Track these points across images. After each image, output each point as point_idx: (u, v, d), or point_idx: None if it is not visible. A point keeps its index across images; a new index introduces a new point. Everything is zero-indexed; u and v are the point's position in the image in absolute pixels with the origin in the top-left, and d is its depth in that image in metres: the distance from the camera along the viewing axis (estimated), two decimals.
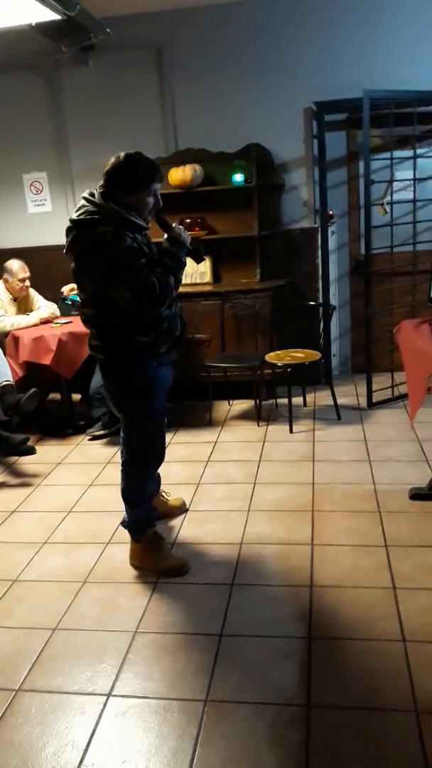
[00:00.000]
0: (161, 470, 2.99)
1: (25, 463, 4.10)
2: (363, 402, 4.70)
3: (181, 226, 2.67)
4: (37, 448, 4.31)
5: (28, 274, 4.59)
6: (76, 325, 4.30)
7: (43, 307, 4.71)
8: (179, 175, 4.75)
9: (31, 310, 4.68)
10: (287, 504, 3.30)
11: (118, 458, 2.83)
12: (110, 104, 5.05)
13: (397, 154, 4.59)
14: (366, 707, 1.97)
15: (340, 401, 4.58)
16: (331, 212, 5.05)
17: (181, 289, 2.70)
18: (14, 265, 4.56)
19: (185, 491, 3.49)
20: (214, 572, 2.74)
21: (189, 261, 2.72)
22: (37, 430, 4.55)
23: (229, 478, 3.66)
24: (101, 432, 4.42)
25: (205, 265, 5.04)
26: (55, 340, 4.19)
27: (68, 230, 2.47)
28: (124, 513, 2.84)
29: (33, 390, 4.05)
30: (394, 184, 4.73)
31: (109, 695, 2.09)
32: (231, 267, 5.12)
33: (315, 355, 4.44)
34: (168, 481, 3.20)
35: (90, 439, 4.42)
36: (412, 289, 4.69)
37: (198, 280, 5.01)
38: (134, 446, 2.75)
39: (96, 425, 4.47)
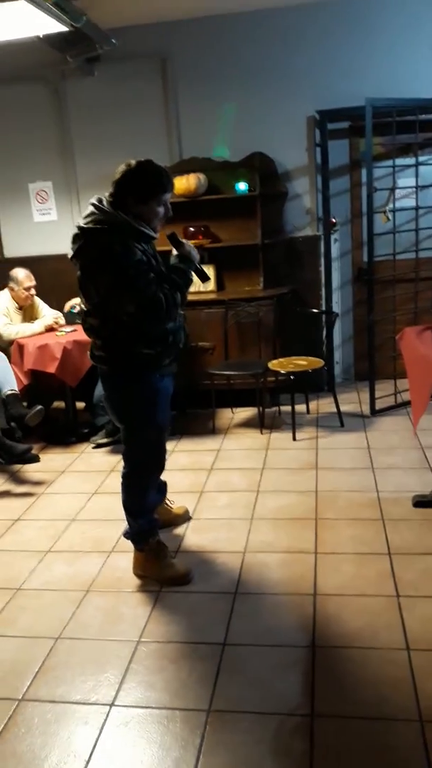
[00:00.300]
0: (167, 478, 2.99)
1: (29, 471, 4.10)
2: (366, 409, 4.70)
3: (191, 243, 2.65)
4: (41, 456, 4.32)
5: (33, 282, 4.62)
6: (81, 333, 4.32)
7: (48, 315, 4.73)
8: (183, 184, 4.78)
9: (36, 319, 4.70)
10: (290, 512, 3.29)
11: (121, 467, 2.83)
12: (115, 114, 5.09)
13: (400, 161, 4.60)
14: (370, 717, 1.96)
15: (343, 408, 4.57)
16: (333, 220, 5.06)
17: None
18: (20, 273, 4.58)
19: (188, 499, 3.49)
20: (217, 581, 2.74)
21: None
22: (41, 438, 4.56)
23: (233, 486, 3.66)
24: (105, 440, 4.43)
25: (209, 273, 5.04)
26: (60, 349, 4.21)
27: (75, 237, 2.45)
28: (126, 524, 2.84)
29: (38, 407, 4.06)
30: (397, 191, 4.73)
31: (111, 705, 2.09)
32: (234, 275, 5.13)
33: (318, 362, 4.45)
34: (171, 489, 3.20)
35: (94, 447, 4.42)
36: (415, 296, 4.70)
37: (201, 288, 5.02)
38: (134, 457, 2.74)
39: (100, 433, 4.48)
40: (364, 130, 4.24)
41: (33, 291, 4.64)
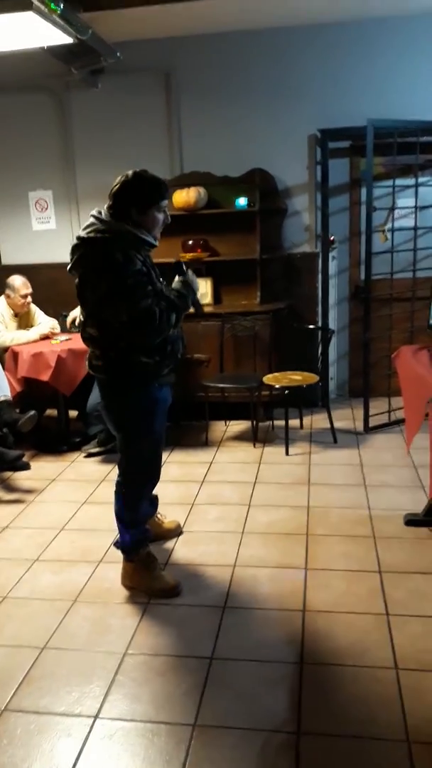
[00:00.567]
0: (159, 490, 2.98)
1: (20, 478, 4.08)
2: (360, 426, 4.70)
3: (194, 274, 2.71)
4: (32, 463, 4.29)
5: (30, 290, 4.62)
6: (76, 342, 4.32)
7: (44, 323, 4.72)
8: (183, 197, 4.80)
9: (32, 326, 4.70)
10: (282, 527, 3.28)
11: (113, 476, 2.82)
12: (118, 126, 5.13)
13: (399, 182, 4.64)
14: (357, 735, 1.94)
15: (336, 425, 4.57)
16: (332, 238, 5.10)
17: None
18: (17, 281, 4.58)
19: (179, 511, 3.47)
20: (206, 594, 2.72)
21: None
22: (33, 446, 4.54)
23: (224, 500, 3.65)
24: (97, 449, 4.41)
25: (206, 286, 5.08)
26: (55, 357, 4.20)
27: (75, 248, 2.47)
28: (117, 534, 2.82)
29: (32, 413, 4.05)
30: (396, 211, 4.78)
31: (96, 717, 2.06)
32: (232, 289, 5.15)
33: (313, 378, 4.45)
34: (163, 501, 3.18)
35: (85, 456, 4.40)
36: (411, 316, 4.72)
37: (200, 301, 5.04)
38: (130, 467, 2.73)
39: (92, 442, 4.46)
40: (364, 150, 4.28)
41: (29, 298, 4.65)
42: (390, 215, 4.85)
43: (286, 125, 4.95)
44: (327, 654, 2.31)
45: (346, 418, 4.96)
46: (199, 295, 2.72)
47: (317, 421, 4.91)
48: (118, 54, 4.54)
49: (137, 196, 2.44)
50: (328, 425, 4.53)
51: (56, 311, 4.86)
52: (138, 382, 2.56)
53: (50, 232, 5.44)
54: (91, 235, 2.42)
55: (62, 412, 4.58)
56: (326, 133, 4.79)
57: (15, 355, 4.37)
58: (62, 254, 5.67)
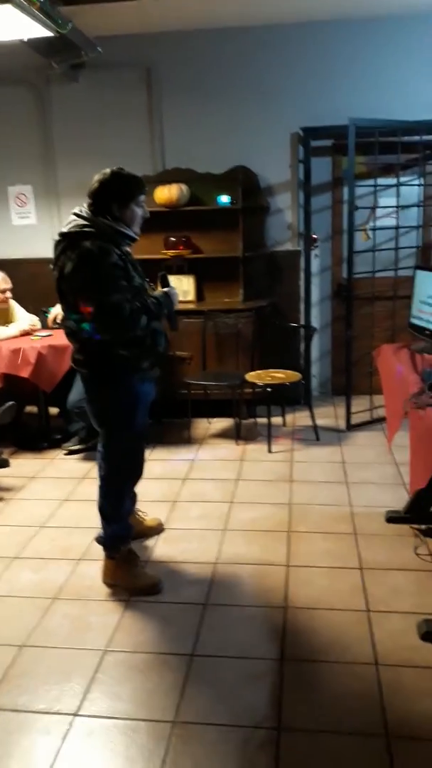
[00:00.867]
0: (139, 488, 2.96)
1: None
2: (342, 424, 4.72)
3: (176, 291, 2.75)
4: (12, 461, 4.24)
5: (9, 285, 4.56)
6: (57, 338, 4.28)
7: (24, 319, 4.67)
8: (165, 194, 4.78)
9: (12, 323, 4.64)
10: (263, 524, 3.28)
11: (94, 474, 2.80)
12: (99, 121, 5.09)
13: (381, 181, 4.67)
14: (337, 731, 1.94)
15: (319, 422, 4.59)
16: (314, 236, 5.11)
17: None
18: None
19: (161, 509, 3.46)
20: (187, 592, 2.71)
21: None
22: (12, 443, 4.49)
23: (206, 497, 3.64)
24: (77, 447, 4.38)
25: (189, 283, 5.06)
26: (35, 353, 4.15)
27: (57, 243, 2.51)
28: (100, 529, 2.80)
29: (10, 403, 4.00)
30: (378, 210, 4.80)
31: (75, 715, 2.04)
32: (214, 286, 5.14)
33: (295, 375, 4.46)
34: (144, 498, 3.17)
35: (66, 454, 4.37)
36: (393, 314, 4.75)
37: (181, 298, 5.01)
38: (113, 461, 2.72)
39: (72, 440, 4.43)
40: (347, 149, 4.30)
41: (9, 294, 4.59)
42: (372, 214, 4.87)
43: (269, 123, 4.94)
44: (308, 650, 2.31)
45: (329, 415, 4.97)
46: (179, 299, 2.75)
47: (300, 418, 4.92)
48: (99, 48, 4.51)
49: (117, 192, 2.51)
50: (310, 423, 4.54)
51: (36, 307, 4.81)
52: (118, 375, 2.56)
53: (30, 227, 5.38)
54: (73, 230, 2.45)
55: (42, 408, 4.54)
56: (309, 132, 4.80)
57: None
58: (43, 249, 5.63)
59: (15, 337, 4.47)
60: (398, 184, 4.65)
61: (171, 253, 4.92)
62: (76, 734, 1.97)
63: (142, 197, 2.58)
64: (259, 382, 4.38)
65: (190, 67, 4.94)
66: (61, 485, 3.86)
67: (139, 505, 3.11)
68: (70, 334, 2.60)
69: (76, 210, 2.52)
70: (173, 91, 4.99)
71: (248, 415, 4.87)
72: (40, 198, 5.32)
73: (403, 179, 4.76)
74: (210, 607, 2.59)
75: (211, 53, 4.90)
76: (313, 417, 4.53)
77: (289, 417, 4.93)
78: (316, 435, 4.48)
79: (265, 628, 2.45)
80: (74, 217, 2.49)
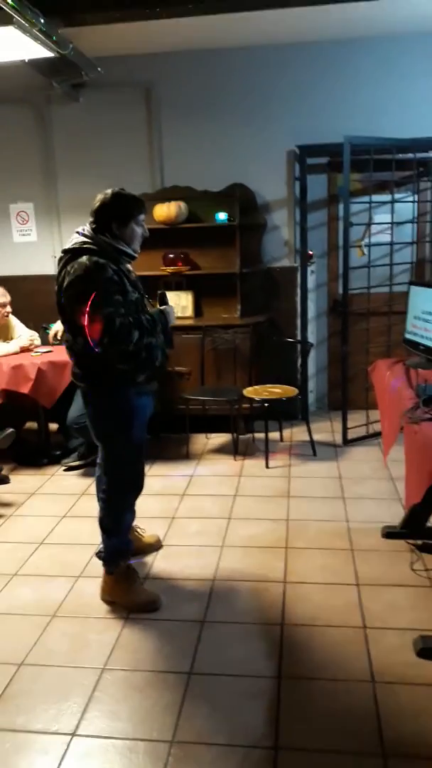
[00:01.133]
0: (138, 504, 2.97)
1: None
2: (338, 439, 4.75)
3: (173, 309, 2.79)
4: (12, 477, 4.26)
5: (8, 299, 4.58)
6: (57, 354, 4.31)
7: (24, 335, 4.70)
8: (164, 211, 4.84)
9: (11, 339, 4.67)
10: (261, 540, 3.29)
11: (93, 490, 2.82)
12: (99, 140, 5.15)
13: (376, 198, 4.72)
14: (334, 750, 1.95)
15: (315, 437, 4.61)
16: (310, 252, 5.16)
17: None
18: None
19: (160, 525, 3.47)
20: (185, 609, 2.72)
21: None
22: (12, 459, 4.51)
23: (204, 513, 3.65)
24: (77, 462, 4.40)
25: (187, 299, 5.11)
26: (35, 369, 4.18)
27: (59, 260, 2.59)
28: (100, 543, 2.82)
29: (9, 431, 4.01)
30: (373, 227, 4.85)
31: (73, 735, 2.05)
32: (212, 302, 5.19)
33: (292, 391, 4.49)
34: (143, 515, 3.18)
35: (65, 470, 4.39)
36: (388, 329, 4.79)
37: (180, 314, 5.06)
38: (113, 474, 2.76)
39: (72, 456, 4.45)
40: (342, 166, 4.36)
41: (8, 308, 4.61)
42: (367, 231, 4.93)
43: (265, 141, 5.01)
44: (305, 668, 2.32)
45: (325, 430, 5.00)
46: (177, 313, 2.78)
47: (297, 433, 4.94)
48: (99, 69, 4.58)
49: (117, 212, 2.58)
50: (307, 438, 4.56)
51: (36, 324, 4.84)
52: (114, 388, 2.61)
53: (31, 245, 5.43)
54: (76, 246, 2.54)
55: (42, 425, 4.56)
56: (304, 149, 4.86)
57: None
58: (43, 266, 5.70)
59: (15, 353, 4.50)
60: (393, 201, 4.70)
61: (170, 269, 4.96)
62: (74, 755, 1.97)
63: (142, 217, 2.65)
64: (257, 398, 4.41)
65: (189, 87, 5.01)
66: (60, 501, 3.88)
67: (138, 522, 3.12)
68: (68, 348, 2.67)
69: (79, 229, 2.61)
70: (172, 110, 5.06)
71: (246, 430, 4.90)
72: (41, 215, 5.38)
73: (397, 196, 4.81)
74: (208, 624, 2.60)
75: (209, 73, 4.98)
76: (310, 432, 4.56)
77: (286, 432, 4.95)
78: (313, 450, 4.50)
79: (262, 645, 2.46)
80: (77, 235, 2.59)
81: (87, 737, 2.04)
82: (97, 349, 2.50)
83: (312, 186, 4.98)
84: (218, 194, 4.93)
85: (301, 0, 3.76)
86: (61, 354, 4.19)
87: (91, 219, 2.60)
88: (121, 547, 2.80)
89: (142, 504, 3.01)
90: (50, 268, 5.17)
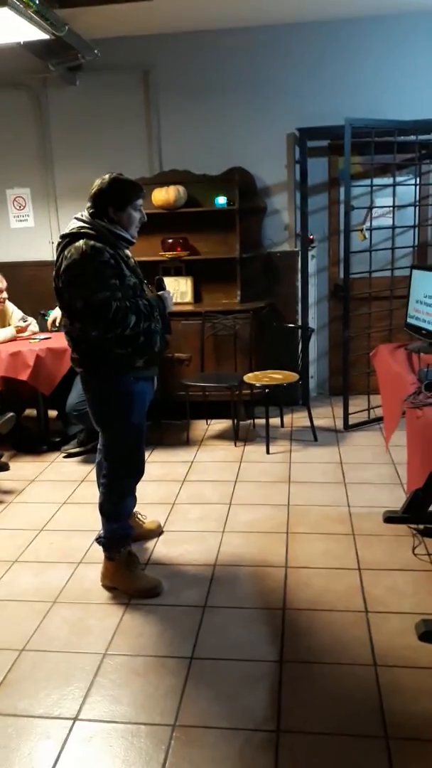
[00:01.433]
0: (138, 490, 2.96)
1: None
2: (339, 424, 4.73)
3: (171, 294, 2.78)
4: (11, 464, 4.25)
5: (4, 284, 4.53)
6: (55, 341, 4.29)
7: (25, 322, 4.66)
8: (163, 195, 4.79)
9: (9, 325, 4.64)
10: (262, 525, 3.29)
11: (93, 476, 2.81)
12: (96, 124, 5.09)
13: (377, 181, 4.68)
14: (336, 733, 1.95)
15: (316, 423, 4.60)
16: (311, 236, 5.11)
17: None
18: None
19: (160, 511, 3.47)
20: (187, 594, 2.71)
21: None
22: (12, 446, 4.50)
23: (205, 499, 3.65)
24: (77, 449, 4.39)
25: (187, 285, 5.07)
26: (33, 356, 4.15)
27: (58, 245, 2.57)
28: (100, 529, 2.82)
29: (10, 415, 4.00)
30: (374, 210, 4.81)
31: (75, 719, 2.05)
32: (212, 287, 5.15)
33: (293, 376, 4.47)
34: (143, 501, 3.17)
35: (65, 457, 4.38)
36: (390, 314, 4.76)
37: (179, 300, 5.03)
38: (113, 460, 2.75)
39: (72, 442, 4.44)
40: (343, 149, 4.31)
41: (5, 294, 4.56)
42: (368, 214, 4.88)
43: (265, 124, 4.95)
44: (307, 652, 2.32)
45: (326, 416, 4.98)
46: (177, 299, 2.76)
47: (297, 419, 4.93)
48: (96, 51, 4.52)
49: (114, 196, 2.56)
50: (308, 423, 4.55)
51: (35, 310, 4.81)
52: (111, 372, 2.60)
53: (28, 230, 5.38)
54: (74, 230, 2.53)
55: (41, 411, 4.54)
56: (305, 132, 4.81)
57: None
58: (41, 252, 5.66)
59: (12, 339, 4.47)
60: (394, 184, 4.65)
61: (168, 254, 4.92)
62: (76, 739, 1.97)
63: (140, 202, 2.62)
64: (257, 383, 4.39)
65: (187, 69, 4.95)
66: (60, 488, 3.87)
67: (138, 508, 3.11)
68: (67, 333, 2.65)
69: (77, 215, 2.59)
70: (170, 93, 5.00)
71: (246, 416, 4.88)
72: (38, 201, 5.33)
73: (399, 179, 4.77)
74: (209, 609, 2.60)
75: (208, 55, 4.91)
76: (311, 417, 4.54)
77: (287, 418, 4.93)
78: (314, 435, 4.49)
79: (264, 629, 2.46)
80: (74, 221, 2.58)
81: (89, 721, 2.04)
82: (93, 333, 2.48)
83: (312, 169, 4.93)
84: (217, 178, 4.88)
85: None
86: (59, 341, 4.16)
87: (88, 204, 2.59)
88: (121, 532, 2.79)
89: (142, 490, 3.00)
90: (48, 254, 5.13)
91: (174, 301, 3.11)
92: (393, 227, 4.72)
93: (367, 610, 2.53)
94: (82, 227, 2.51)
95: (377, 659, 2.25)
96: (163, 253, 4.93)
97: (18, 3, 3.34)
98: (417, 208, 4.85)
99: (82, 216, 2.57)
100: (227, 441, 4.57)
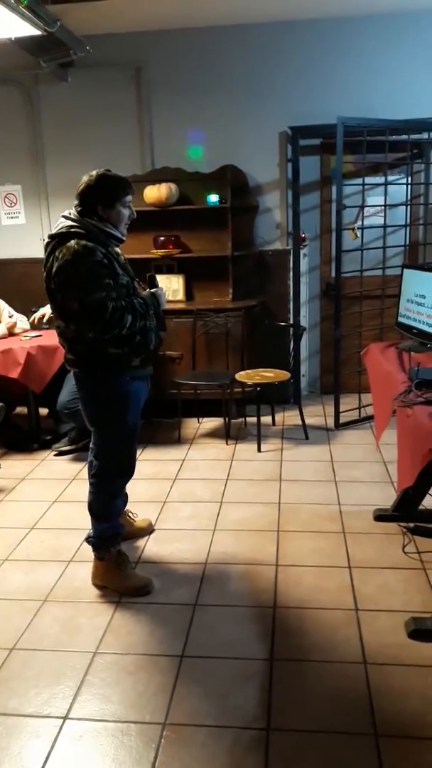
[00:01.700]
0: (129, 488, 2.96)
1: None
2: (330, 422, 4.74)
3: (164, 291, 2.76)
4: (1, 462, 4.24)
5: None
6: (46, 338, 4.28)
7: (13, 317, 4.64)
8: (155, 193, 4.78)
9: (0, 323, 4.62)
10: (253, 523, 3.29)
11: (84, 474, 2.80)
12: (88, 121, 5.07)
13: (369, 180, 4.68)
14: (326, 730, 1.96)
15: (308, 421, 4.61)
16: (303, 235, 5.12)
17: None
18: None
19: (151, 509, 3.46)
20: (177, 592, 2.71)
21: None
22: (3, 444, 4.48)
23: (196, 497, 3.65)
24: (68, 447, 4.37)
25: (178, 283, 5.06)
26: (24, 354, 4.14)
27: (46, 246, 2.53)
28: (90, 529, 2.81)
29: None
30: (366, 209, 4.82)
31: (65, 718, 2.05)
32: (204, 285, 5.14)
33: (284, 375, 4.48)
34: (134, 499, 3.17)
35: (56, 455, 4.36)
36: (381, 313, 4.77)
37: (171, 298, 5.02)
38: (105, 459, 2.73)
39: (62, 440, 4.42)
40: (335, 148, 4.31)
41: None
42: (360, 213, 4.89)
43: (257, 122, 4.95)
44: (297, 650, 2.33)
45: (318, 414, 4.99)
46: (168, 297, 2.74)
47: (289, 417, 4.94)
48: (87, 47, 4.49)
49: (102, 193, 2.53)
50: (299, 422, 4.56)
51: (25, 307, 4.79)
52: (108, 373, 2.58)
53: (19, 227, 5.36)
54: (62, 230, 2.49)
55: (32, 409, 4.53)
56: (297, 131, 4.80)
57: None
58: (32, 249, 5.62)
59: (3, 336, 4.45)
60: (386, 183, 4.66)
61: (160, 252, 4.91)
62: (66, 737, 1.97)
63: (128, 198, 2.59)
64: (249, 382, 4.39)
65: (179, 66, 4.93)
66: (51, 486, 3.86)
67: (129, 506, 3.11)
68: (59, 334, 2.62)
69: (65, 213, 2.55)
70: (162, 90, 4.98)
71: (238, 414, 4.88)
72: (30, 198, 5.30)
73: (390, 178, 4.78)
74: (200, 607, 2.60)
75: (200, 52, 4.90)
76: (302, 416, 4.55)
77: (278, 416, 4.94)
78: (305, 434, 4.50)
79: (254, 628, 2.46)
80: (63, 219, 2.53)
81: (79, 720, 2.04)
82: (90, 335, 2.47)
83: (304, 168, 4.93)
84: (209, 176, 4.87)
85: None
86: (50, 338, 4.15)
87: (76, 202, 2.55)
88: (110, 532, 2.78)
89: (133, 488, 3.00)
90: (39, 251, 5.03)
91: (166, 298, 3.12)
92: (384, 226, 4.73)
93: (357, 608, 2.54)
94: (72, 226, 2.47)
95: (367, 657, 2.26)
96: (154, 250, 4.92)
97: None
98: (408, 207, 4.86)
99: (70, 214, 2.53)
100: (219, 439, 4.57)
